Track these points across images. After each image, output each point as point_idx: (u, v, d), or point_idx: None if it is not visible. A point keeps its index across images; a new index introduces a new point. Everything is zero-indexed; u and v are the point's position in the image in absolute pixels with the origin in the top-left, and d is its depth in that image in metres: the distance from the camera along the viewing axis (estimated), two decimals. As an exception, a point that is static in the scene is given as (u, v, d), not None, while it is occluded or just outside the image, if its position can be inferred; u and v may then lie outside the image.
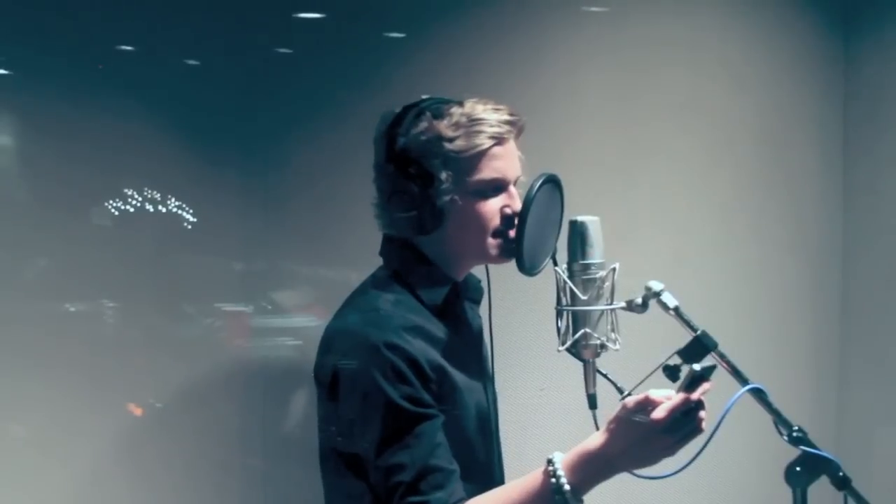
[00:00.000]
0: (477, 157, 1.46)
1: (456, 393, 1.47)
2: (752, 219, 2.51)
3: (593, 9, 2.39)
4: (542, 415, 2.34)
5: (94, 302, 2.11)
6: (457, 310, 1.56)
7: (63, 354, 2.04)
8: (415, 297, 1.51)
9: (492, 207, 1.49)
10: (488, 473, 1.57)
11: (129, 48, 2.13)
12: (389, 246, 1.58)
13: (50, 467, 2.04)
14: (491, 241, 1.50)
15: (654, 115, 2.40)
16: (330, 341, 1.49)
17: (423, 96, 1.54)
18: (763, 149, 2.52)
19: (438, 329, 1.50)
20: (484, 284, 1.70)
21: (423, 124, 1.46)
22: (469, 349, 1.58)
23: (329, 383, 1.46)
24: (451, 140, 1.45)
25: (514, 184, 1.53)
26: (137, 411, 2.15)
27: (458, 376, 1.48)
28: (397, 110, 1.53)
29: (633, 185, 2.39)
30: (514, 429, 2.27)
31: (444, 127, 1.46)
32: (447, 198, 1.46)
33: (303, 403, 2.23)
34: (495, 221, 1.49)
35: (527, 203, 1.43)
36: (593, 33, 2.38)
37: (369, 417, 1.40)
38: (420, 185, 1.46)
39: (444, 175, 1.45)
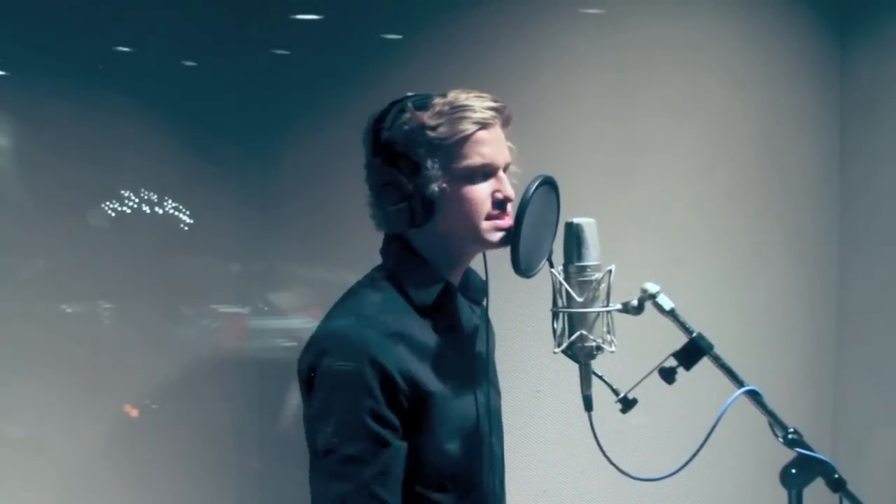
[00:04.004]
0: (462, 143, 1.45)
1: (432, 400, 1.46)
2: (748, 220, 2.52)
3: (590, 10, 2.39)
4: (538, 417, 2.34)
5: (90, 303, 2.11)
6: (450, 310, 1.56)
7: (59, 355, 2.04)
8: (404, 297, 1.51)
9: (482, 192, 1.48)
10: (474, 480, 1.55)
11: (125, 49, 2.13)
12: (386, 244, 1.58)
13: (45, 467, 2.04)
14: (485, 224, 1.49)
15: (651, 115, 2.41)
16: (311, 342, 1.50)
17: (409, 93, 1.54)
18: (759, 149, 2.53)
19: (424, 332, 1.49)
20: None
21: (406, 115, 1.46)
22: (460, 352, 1.57)
23: (305, 382, 1.48)
24: (433, 128, 1.44)
25: (504, 170, 1.52)
26: (134, 412, 2.15)
27: (438, 383, 1.47)
28: (375, 113, 1.53)
29: (629, 186, 2.40)
30: (509, 431, 2.27)
31: (427, 116, 1.45)
32: (435, 186, 1.45)
33: (299, 404, 2.23)
34: (486, 206, 1.48)
35: (523, 205, 1.42)
36: (590, 34, 2.39)
37: (329, 421, 1.41)
38: (407, 176, 1.45)
39: (429, 163, 1.45)
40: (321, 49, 2.29)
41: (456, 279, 1.58)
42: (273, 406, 2.26)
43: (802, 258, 2.61)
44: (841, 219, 2.65)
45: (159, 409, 2.16)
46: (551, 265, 1.49)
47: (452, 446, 1.49)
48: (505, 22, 2.33)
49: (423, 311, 1.51)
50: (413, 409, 1.43)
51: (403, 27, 2.31)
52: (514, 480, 2.31)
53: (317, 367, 1.44)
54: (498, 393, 1.72)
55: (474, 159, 1.46)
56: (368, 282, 1.56)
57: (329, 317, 1.53)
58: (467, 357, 1.59)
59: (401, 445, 1.42)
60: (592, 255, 1.39)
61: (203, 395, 2.21)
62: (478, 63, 2.33)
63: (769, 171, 2.55)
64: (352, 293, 1.55)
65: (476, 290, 1.66)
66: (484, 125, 1.47)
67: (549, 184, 1.49)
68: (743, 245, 2.52)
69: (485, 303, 1.71)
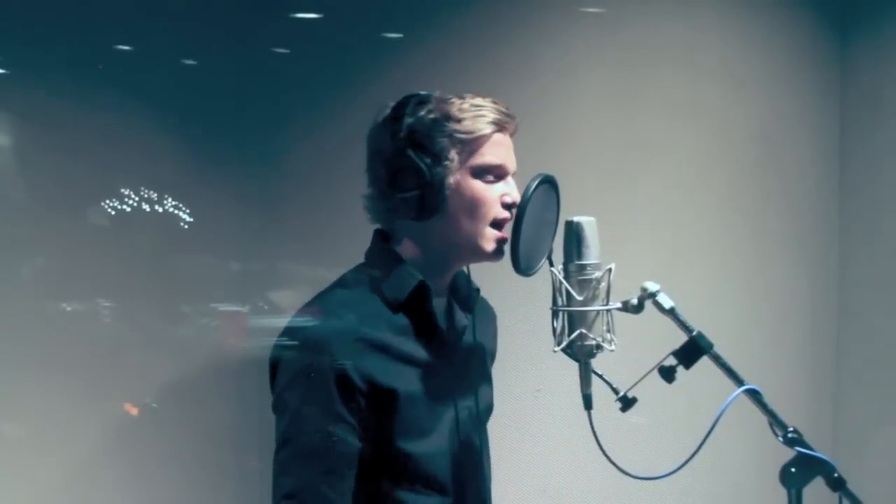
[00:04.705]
0: (481, 141, 1.49)
1: (396, 399, 1.46)
2: (748, 219, 2.52)
3: (590, 9, 2.39)
4: (538, 415, 2.34)
5: (90, 301, 2.11)
6: (426, 311, 1.54)
7: (59, 354, 2.04)
8: (379, 296, 1.51)
9: (493, 193, 1.50)
10: (451, 483, 1.55)
11: (125, 48, 2.13)
12: (372, 243, 1.59)
13: (45, 466, 2.04)
14: (488, 231, 1.50)
15: (651, 115, 2.41)
16: (279, 335, 1.52)
17: (421, 91, 1.55)
18: (759, 148, 2.52)
19: (396, 331, 1.50)
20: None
21: (431, 105, 1.49)
22: (440, 354, 1.56)
23: (270, 373, 1.50)
24: (459, 121, 1.47)
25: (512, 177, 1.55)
26: (133, 411, 2.15)
27: (405, 382, 1.48)
28: (392, 103, 1.54)
29: (629, 185, 2.40)
30: (509, 430, 2.27)
31: (451, 109, 1.49)
32: (451, 179, 1.47)
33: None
34: (496, 208, 1.50)
35: (523, 203, 1.43)
36: (589, 33, 2.39)
37: (284, 415, 1.44)
38: (427, 164, 1.46)
39: (451, 154, 1.47)
40: (321, 48, 2.29)
41: (438, 284, 1.57)
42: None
43: (802, 257, 2.61)
44: (841, 218, 2.65)
45: (159, 408, 2.16)
46: (551, 264, 1.49)
47: (425, 447, 1.50)
48: (505, 21, 2.33)
49: (396, 310, 1.51)
50: (374, 407, 1.44)
51: (403, 26, 2.31)
52: (514, 479, 2.32)
53: (279, 360, 1.48)
54: (488, 396, 1.71)
55: (490, 158, 1.50)
56: (344, 279, 1.57)
57: (299, 311, 1.54)
58: (450, 360, 1.58)
59: (354, 444, 1.43)
60: (592, 254, 1.40)
61: (203, 393, 2.21)
62: (478, 62, 2.33)
63: (769, 171, 2.55)
64: (326, 290, 1.56)
65: (465, 294, 1.66)
66: (501, 128, 1.51)
67: (548, 182, 1.49)
68: (743, 244, 2.52)
69: (487, 307, 1.72)
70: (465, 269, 1.63)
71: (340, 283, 1.56)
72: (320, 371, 1.41)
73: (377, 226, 1.59)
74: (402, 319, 1.51)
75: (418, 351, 1.52)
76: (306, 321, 1.48)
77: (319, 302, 1.52)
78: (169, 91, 2.17)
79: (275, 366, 1.49)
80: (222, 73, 2.23)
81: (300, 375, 1.43)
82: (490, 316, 1.79)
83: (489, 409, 1.71)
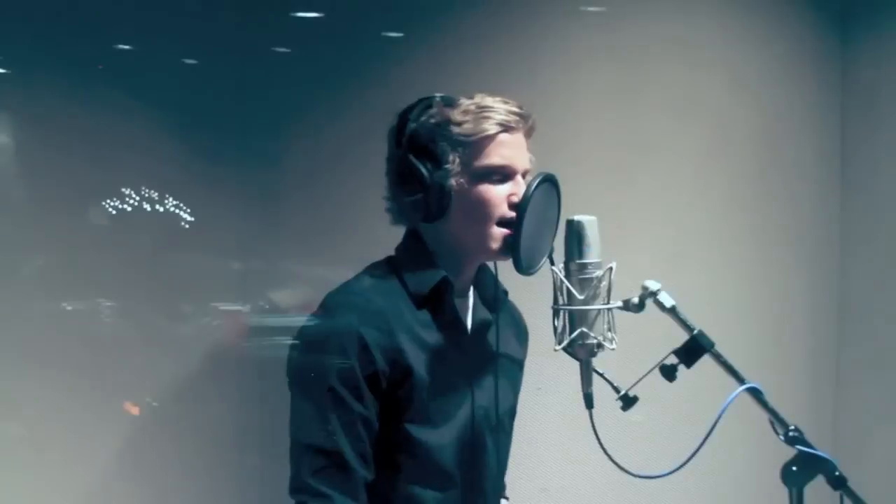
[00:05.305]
0: (484, 142, 1.49)
1: (415, 384, 1.47)
2: (748, 217, 2.52)
3: (591, 8, 2.39)
4: (539, 414, 2.34)
5: (91, 300, 2.11)
6: (448, 305, 1.56)
7: (60, 353, 2.04)
8: (402, 286, 1.53)
9: (498, 194, 1.50)
10: (459, 481, 1.55)
11: (126, 47, 2.13)
12: (404, 238, 1.61)
13: (47, 466, 2.04)
14: (494, 231, 1.50)
15: (652, 113, 2.41)
16: (309, 316, 1.54)
17: (437, 94, 1.57)
18: (760, 147, 2.52)
19: (417, 320, 1.51)
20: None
21: (434, 110, 1.50)
22: (460, 349, 1.57)
23: (289, 357, 1.53)
24: (459, 124, 1.48)
25: (523, 177, 1.54)
26: (135, 410, 2.15)
27: (424, 370, 1.49)
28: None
29: (630, 184, 2.40)
30: (510, 428, 2.27)
31: (453, 113, 1.49)
32: (454, 181, 1.48)
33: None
34: (502, 209, 1.50)
35: (524, 202, 1.44)
36: (591, 32, 2.39)
37: (302, 396, 1.48)
38: (428, 169, 1.48)
39: (451, 158, 1.48)
40: (322, 47, 2.29)
41: (460, 281, 1.58)
42: (274, 403, 2.24)
43: (803, 255, 2.61)
44: (841, 217, 2.65)
45: (160, 407, 2.17)
46: (552, 262, 1.49)
47: (435, 438, 1.50)
48: (506, 20, 2.33)
49: (420, 303, 1.53)
50: (393, 390, 1.46)
51: (404, 25, 2.31)
52: (515, 478, 2.32)
53: (305, 337, 1.51)
54: (510, 399, 1.71)
55: (494, 159, 1.49)
56: (370, 268, 1.59)
57: (328, 296, 1.55)
58: (469, 355, 1.59)
59: (375, 423, 1.45)
60: (593, 253, 1.40)
61: (204, 392, 2.21)
62: (479, 61, 2.33)
63: (770, 170, 2.55)
64: (354, 277, 1.58)
65: (488, 294, 1.66)
66: (507, 128, 1.50)
67: (549, 181, 1.50)
68: (744, 243, 2.52)
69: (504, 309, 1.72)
70: (492, 270, 1.64)
71: (367, 271, 1.58)
72: (346, 348, 1.43)
73: (392, 226, 1.60)
74: (424, 313, 1.53)
75: (439, 343, 1.53)
76: (329, 301, 1.51)
77: (348, 286, 1.54)
78: (169, 91, 2.17)
79: (298, 345, 1.51)
80: (222, 73, 2.23)
81: (326, 352, 1.44)
82: (520, 325, 1.79)
83: (510, 412, 1.70)
